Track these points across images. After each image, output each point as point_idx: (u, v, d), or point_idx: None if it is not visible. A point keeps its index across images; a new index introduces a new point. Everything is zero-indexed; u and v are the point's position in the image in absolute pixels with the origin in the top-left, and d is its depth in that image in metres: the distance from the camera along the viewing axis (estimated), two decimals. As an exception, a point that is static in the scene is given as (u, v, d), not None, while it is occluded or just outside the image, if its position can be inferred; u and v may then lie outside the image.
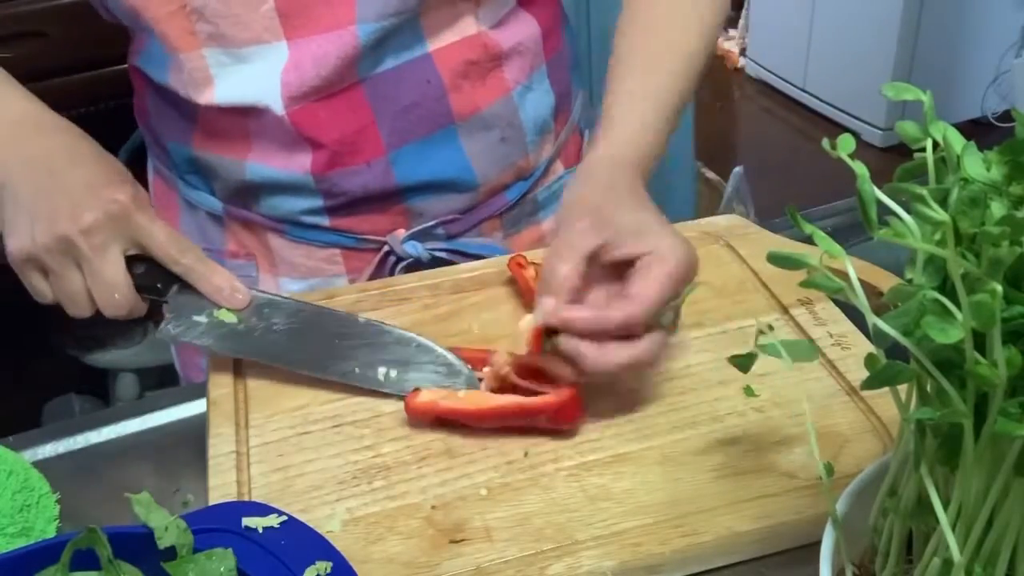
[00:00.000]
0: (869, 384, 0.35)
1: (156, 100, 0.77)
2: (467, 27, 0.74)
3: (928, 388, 0.36)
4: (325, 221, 0.76)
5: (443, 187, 0.77)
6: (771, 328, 0.43)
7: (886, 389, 0.37)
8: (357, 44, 0.69)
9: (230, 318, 0.63)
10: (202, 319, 0.63)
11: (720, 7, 0.74)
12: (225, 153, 0.74)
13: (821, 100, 2.92)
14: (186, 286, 0.63)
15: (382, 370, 0.61)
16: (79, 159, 0.64)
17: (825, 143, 0.38)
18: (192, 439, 0.61)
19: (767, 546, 0.52)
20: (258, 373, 0.64)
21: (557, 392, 0.57)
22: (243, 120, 0.72)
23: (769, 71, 3.13)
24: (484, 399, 0.59)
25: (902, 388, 0.38)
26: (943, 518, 0.35)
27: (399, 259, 0.77)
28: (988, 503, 0.34)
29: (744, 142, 3.02)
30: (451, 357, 0.61)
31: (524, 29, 0.77)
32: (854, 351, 0.63)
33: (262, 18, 0.68)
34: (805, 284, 0.37)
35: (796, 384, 0.61)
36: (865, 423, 0.58)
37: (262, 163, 0.74)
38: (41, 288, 0.63)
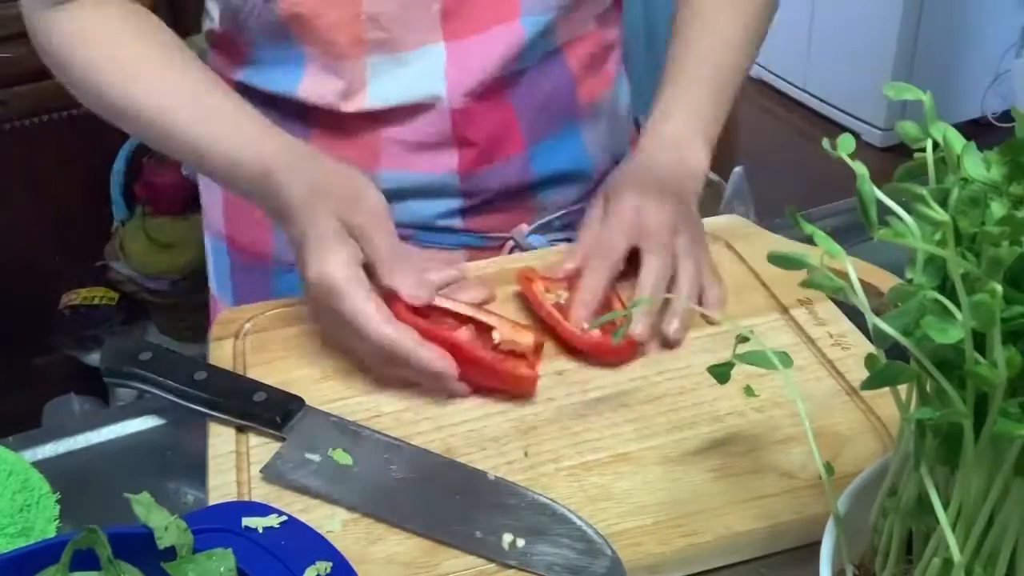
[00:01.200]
0: (869, 384, 0.35)
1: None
2: (589, 24, 0.77)
3: (928, 388, 0.36)
4: (458, 222, 0.77)
5: (568, 179, 0.80)
6: (749, 337, 0.44)
7: (886, 389, 0.37)
8: (523, 38, 0.71)
9: (345, 459, 0.56)
10: (315, 457, 0.56)
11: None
12: (351, 163, 0.74)
13: (821, 100, 2.92)
14: (307, 419, 0.58)
15: (507, 537, 0.51)
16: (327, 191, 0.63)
17: (825, 143, 0.38)
18: (192, 439, 0.61)
19: (767, 546, 0.52)
20: (258, 373, 0.64)
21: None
22: (381, 126, 0.72)
23: (769, 71, 3.12)
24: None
25: (902, 388, 0.38)
26: (943, 518, 0.35)
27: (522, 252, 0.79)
28: (988, 503, 0.34)
29: (744, 142, 3.01)
30: (591, 533, 0.51)
31: (614, 19, 0.81)
32: (854, 351, 0.63)
33: (429, 20, 0.69)
34: (805, 284, 0.37)
35: (796, 384, 0.60)
36: (865, 423, 0.58)
37: (399, 168, 0.74)
38: None
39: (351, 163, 0.72)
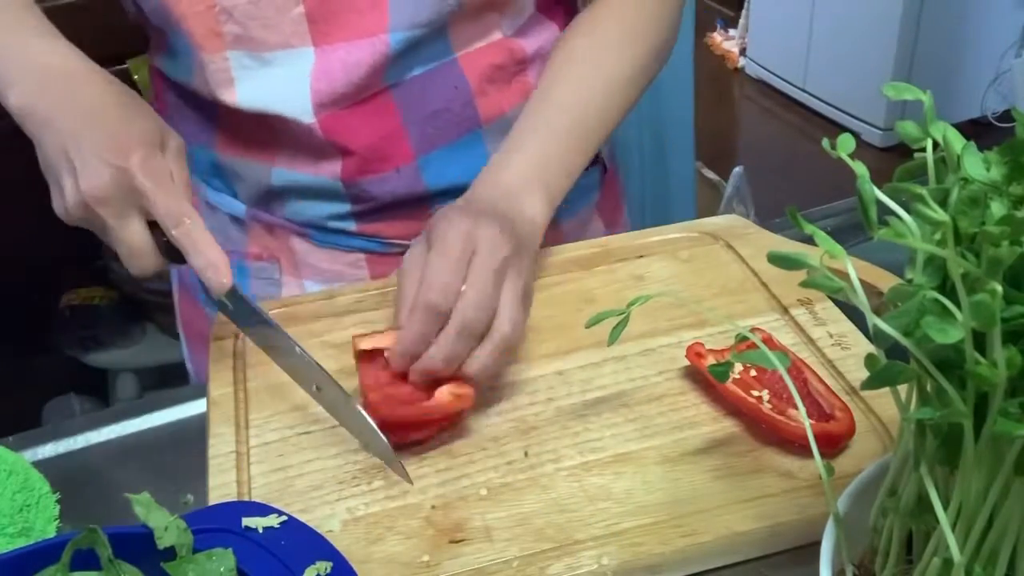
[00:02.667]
0: (869, 384, 0.35)
1: (177, 103, 0.76)
2: (492, 35, 0.74)
3: (928, 388, 0.36)
4: (352, 226, 0.76)
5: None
6: (748, 336, 0.44)
7: (886, 389, 0.37)
8: (388, 52, 0.69)
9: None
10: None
11: (666, 30, 0.76)
12: (250, 158, 0.74)
13: (821, 100, 2.92)
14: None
15: None
16: (96, 120, 0.61)
17: (825, 143, 0.38)
18: (192, 439, 0.61)
19: (767, 546, 0.52)
20: (258, 373, 0.64)
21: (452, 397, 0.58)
22: (268, 124, 0.72)
23: (769, 71, 3.13)
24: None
25: (902, 388, 0.38)
26: (943, 518, 0.35)
27: None
28: (988, 503, 0.34)
29: (744, 142, 3.02)
30: None
31: (545, 34, 0.78)
32: (854, 351, 0.63)
33: (292, 22, 0.68)
34: (805, 284, 0.37)
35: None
36: (865, 423, 0.58)
37: (289, 169, 0.74)
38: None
39: (252, 158, 0.74)
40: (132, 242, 0.59)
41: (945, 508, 0.36)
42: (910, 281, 0.35)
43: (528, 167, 0.68)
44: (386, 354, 0.59)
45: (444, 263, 0.58)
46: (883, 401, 0.58)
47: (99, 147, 0.59)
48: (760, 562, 0.52)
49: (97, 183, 0.57)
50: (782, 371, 0.42)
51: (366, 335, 0.61)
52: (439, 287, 0.57)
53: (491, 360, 0.58)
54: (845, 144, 0.37)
